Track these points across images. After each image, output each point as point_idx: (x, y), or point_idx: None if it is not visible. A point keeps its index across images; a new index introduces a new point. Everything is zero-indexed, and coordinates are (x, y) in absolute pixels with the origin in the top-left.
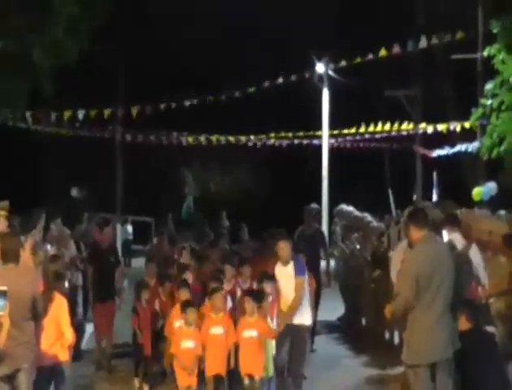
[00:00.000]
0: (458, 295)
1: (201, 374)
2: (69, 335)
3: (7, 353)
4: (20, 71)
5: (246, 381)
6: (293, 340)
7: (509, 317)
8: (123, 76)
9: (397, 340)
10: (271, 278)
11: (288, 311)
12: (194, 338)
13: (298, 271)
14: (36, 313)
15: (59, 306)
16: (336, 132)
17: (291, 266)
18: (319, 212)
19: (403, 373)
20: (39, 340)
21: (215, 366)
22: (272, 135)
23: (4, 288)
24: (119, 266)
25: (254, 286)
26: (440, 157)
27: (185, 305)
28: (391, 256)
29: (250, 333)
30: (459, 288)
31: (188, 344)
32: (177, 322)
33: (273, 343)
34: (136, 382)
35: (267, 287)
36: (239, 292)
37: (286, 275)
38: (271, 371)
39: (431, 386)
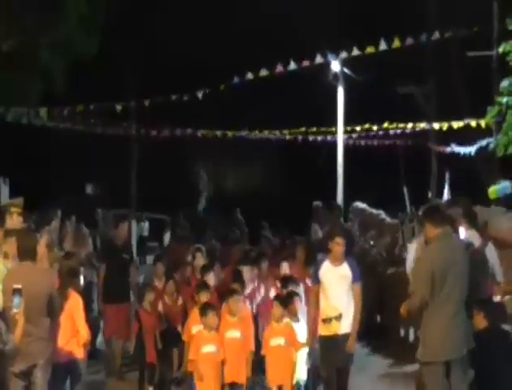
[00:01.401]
0: (474, 293)
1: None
2: (84, 332)
3: (23, 350)
4: (32, 68)
5: None
6: (341, 349)
7: None
8: (134, 71)
9: (412, 337)
10: (296, 281)
11: (355, 326)
12: (215, 342)
13: (357, 277)
14: (53, 310)
15: (74, 303)
16: (349, 128)
17: (344, 268)
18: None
19: (418, 370)
20: (55, 336)
21: (232, 373)
22: (286, 131)
23: (19, 285)
24: (133, 264)
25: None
26: (455, 153)
27: (205, 309)
28: (405, 253)
29: (278, 341)
30: (475, 285)
31: (209, 348)
32: (195, 326)
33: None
34: None
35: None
36: (258, 297)
37: (336, 277)
38: (303, 377)
39: (446, 384)
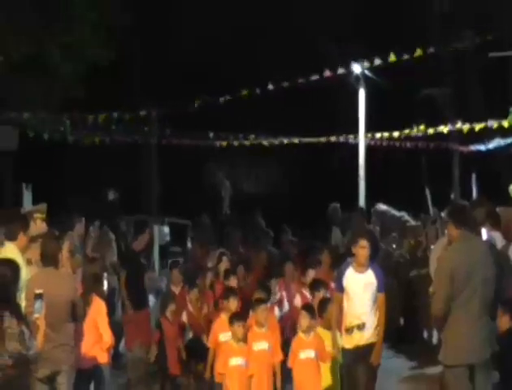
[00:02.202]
0: (498, 295)
1: None
2: (108, 337)
3: (47, 355)
4: (46, 75)
5: None
6: (365, 360)
7: None
8: (153, 76)
9: (435, 339)
10: (326, 285)
11: (380, 338)
12: (244, 355)
13: (382, 286)
14: (76, 315)
15: (98, 309)
16: (370, 135)
17: (369, 275)
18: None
19: (442, 372)
20: (79, 342)
21: (259, 387)
22: (306, 139)
23: (40, 290)
24: (148, 270)
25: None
26: (478, 153)
27: (233, 318)
28: (429, 254)
29: (307, 354)
30: (499, 287)
31: (237, 361)
32: (222, 334)
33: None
34: None
35: (324, 294)
36: (286, 305)
37: (361, 285)
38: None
39: (470, 387)
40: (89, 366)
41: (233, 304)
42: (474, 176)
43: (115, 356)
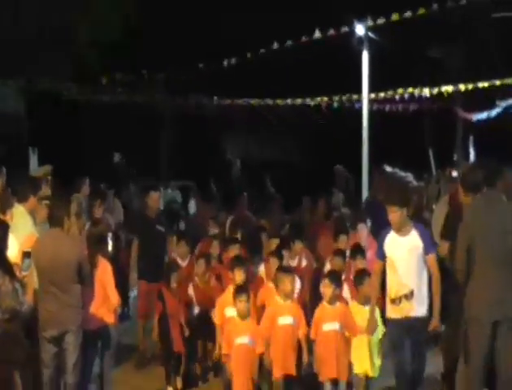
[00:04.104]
0: None
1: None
2: (114, 298)
3: (55, 316)
4: (65, 46)
5: (328, 387)
6: (414, 335)
7: None
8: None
9: None
10: (363, 253)
11: (437, 303)
12: (249, 333)
13: (430, 248)
14: (83, 277)
15: (104, 270)
16: (373, 95)
17: (413, 238)
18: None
19: (444, 333)
20: (86, 303)
21: (285, 365)
22: (309, 99)
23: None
24: (169, 239)
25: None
26: (480, 120)
27: (235, 292)
28: (430, 214)
29: (331, 326)
30: None
31: (243, 340)
32: (229, 308)
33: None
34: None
35: (361, 264)
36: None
37: (404, 248)
38: (375, 371)
39: (489, 345)
40: (96, 326)
41: (239, 275)
42: (471, 138)
43: (122, 317)
